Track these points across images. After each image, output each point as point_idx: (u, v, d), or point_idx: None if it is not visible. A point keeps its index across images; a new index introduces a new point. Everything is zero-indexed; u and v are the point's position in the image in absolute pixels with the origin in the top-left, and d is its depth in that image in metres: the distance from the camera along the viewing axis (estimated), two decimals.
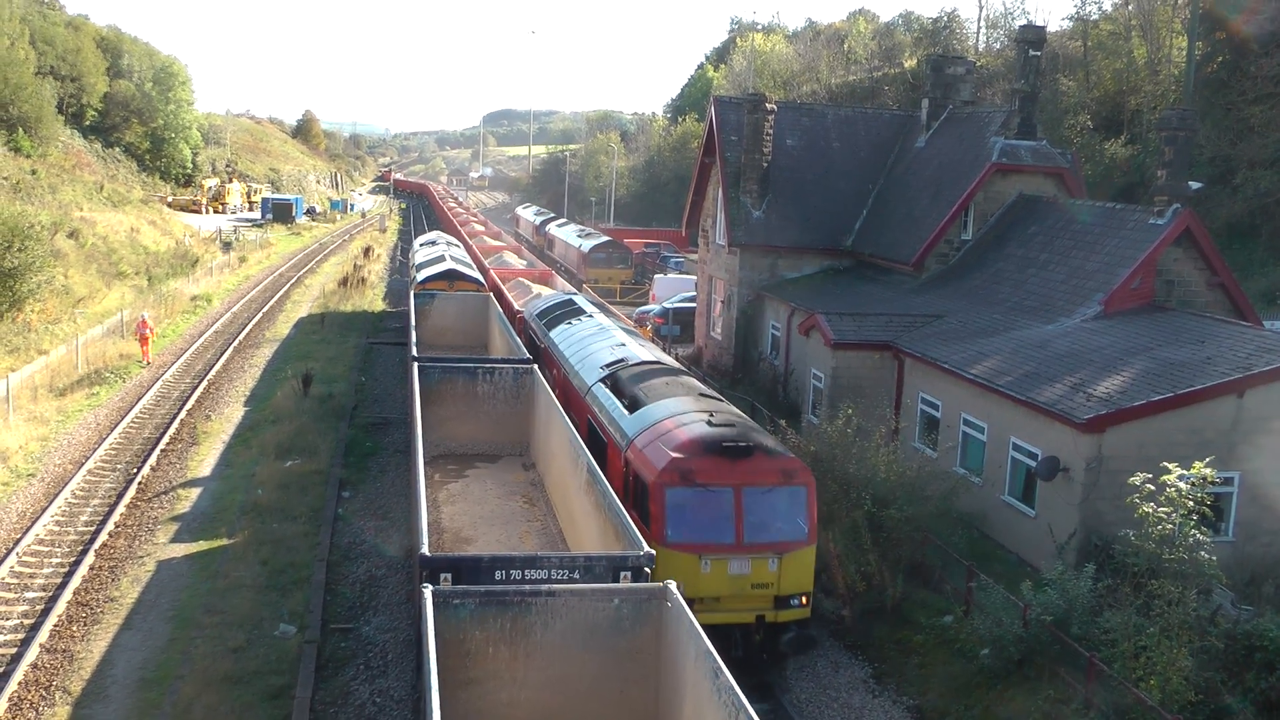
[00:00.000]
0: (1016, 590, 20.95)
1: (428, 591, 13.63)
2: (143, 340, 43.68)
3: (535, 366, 28.06)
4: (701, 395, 23.61)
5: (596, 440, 24.07)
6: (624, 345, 28.87)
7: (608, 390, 25.04)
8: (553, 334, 33.04)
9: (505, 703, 14.11)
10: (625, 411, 23.02)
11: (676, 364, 29.34)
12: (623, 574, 14.85)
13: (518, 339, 32.88)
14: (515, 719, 14.18)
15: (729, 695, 11.59)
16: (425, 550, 15.29)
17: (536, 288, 49.74)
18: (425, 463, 20.33)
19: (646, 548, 15.31)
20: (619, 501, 17.24)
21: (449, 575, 14.65)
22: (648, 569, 14.89)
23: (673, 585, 14.11)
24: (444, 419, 26.78)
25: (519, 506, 23.58)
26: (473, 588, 14.24)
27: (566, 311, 35.55)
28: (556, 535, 21.74)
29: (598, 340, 30.18)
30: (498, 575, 14.90)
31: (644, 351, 28.53)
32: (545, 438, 25.12)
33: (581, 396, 26.42)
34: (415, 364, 27.02)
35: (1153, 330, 27.73)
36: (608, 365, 26.74)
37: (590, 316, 34.18)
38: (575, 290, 48.65)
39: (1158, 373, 24.73)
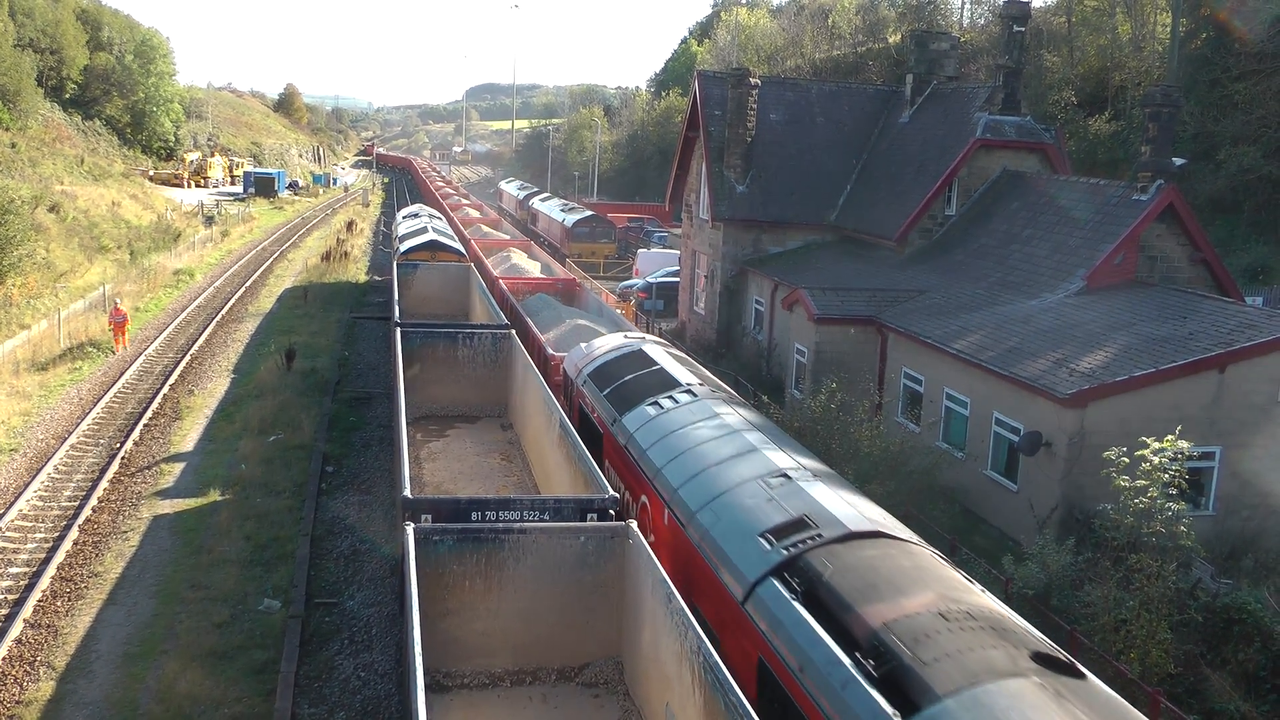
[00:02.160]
0: (998, 564, 21.09)
1: (410, 528, 14.54)
2: (117, 329, 41.03)
3: (513, 331, 28.60)
4: (1041, 657, 10.93)
5: None
6: (788, 478, 15.70)
7: (803, 613, 12.42)
8: (630, 423, 20.03)
9: (480, 631, 15.12)
10: (889, 712, 10.38)
11: (907, 531, 14.58)
12: (589, 515, 15.79)
13: (498, 307, 33.28)
14: (490, 647, 15.20)
15: (679, 617, 12.53)
16: (407, 493, 16.20)
17: (570, 316, 37.03)
18: (408, 423, 21.13)
19: (611, 491, 16.19)
20: (587, 452, 18.06)
21: (429, 516, 15.49)
22: (612, 510, 15.85)
23: (633, 524, 15.14)
24: (426, 382, 27.60)
25: (497, 463, 24.36)
26: (451, 525, 15.20)
27: (645, 378, 22.15)
28: (532, 489, 22.48)
29: (726, 451, 17.29)
30: (474, 516, 15.83)
31: (835, 495, 15.04)
32: (522, 399, 25.83)
33: (734, 599, 13.81)
34: (398, 329, 27.83)
35: (1135, 306, 27.84)
36: (780, 536, 13.90)
37: (691, 394, 20.56)
38: (634, 327, 35.73)
39: (1140, 348, 24.85)
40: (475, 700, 14.83)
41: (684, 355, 25.38)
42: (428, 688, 12.17)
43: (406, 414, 21.51)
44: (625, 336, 26.44)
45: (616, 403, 21.35)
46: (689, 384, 21.18)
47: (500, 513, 15.92)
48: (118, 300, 43.64)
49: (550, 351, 29.79)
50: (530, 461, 24.07)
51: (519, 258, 53.91)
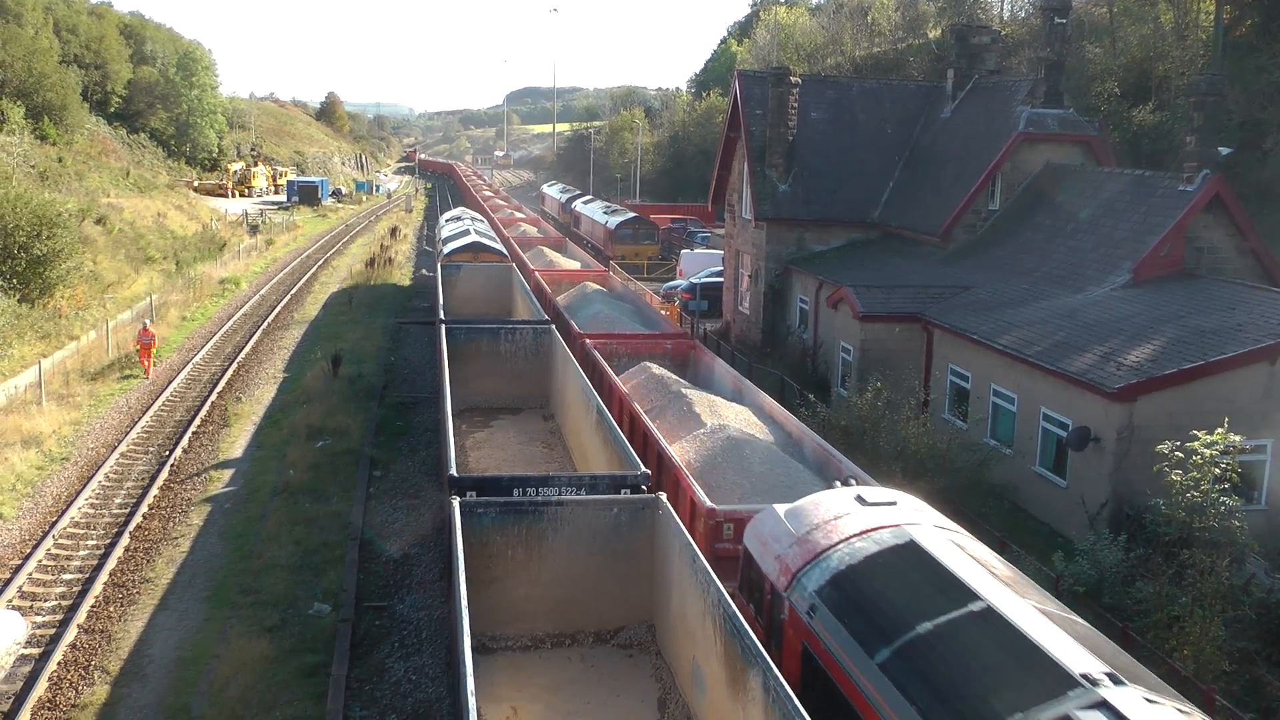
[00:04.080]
0: (1048, 561, 20.91)
1: (456, 502, 15.62)
2: (143, 351, 38.67)
3: (552, 326, 29.50)
4: None
5: None
6: None
7: None
8: None
9: (523, 598, 16.31)
10: None
11: None
12: (623, 490, 16.84)
13: (538, 303, 33.93)
14: (532, 611, 16.40)
15: (703, 575, 13.59)
16: (453, 471, 17.31)
17: (714, 418, 22.60)
18: (454, 415, 22.28)
19: (643, 468, 17.35)
20: (621, 433, 19.32)
21: (474, 493, 16.47)
22: (644, 485, 16.89)
23: (663, 496, 16.25)
24: (470, 376, 28.60)
25: (539, 451, 25.48)
26: (494, 499, 16.33)
27: (968, 630, 11.88)
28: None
29: None
30: (515, 492, 16.84)
31: None
32: (562, 390, 26.85)
33: None
34: (443, 326, 28.97)
35: (1183, 298, 27.53)
36: None
37: (1109, 710, 9.95)
38: (807, 428, 22.33)
39: (1188, 341, 24.57)
40: (518, 661, 15.94)
41: (997, 559, 14.24)
42: (474, 650, 12.92)
43: (452, 406, 22.52)
44: (862, 501, 15.07)
45: (928, 700, 11.20)
46: (1087, 676, 10.56)
47: (540, 489, 16.88)
48: (146, 321, 42.95)
49: (709, 504, 18.13)
50: (570, 448, 24.89)
51: (596, 294, 40.21)
